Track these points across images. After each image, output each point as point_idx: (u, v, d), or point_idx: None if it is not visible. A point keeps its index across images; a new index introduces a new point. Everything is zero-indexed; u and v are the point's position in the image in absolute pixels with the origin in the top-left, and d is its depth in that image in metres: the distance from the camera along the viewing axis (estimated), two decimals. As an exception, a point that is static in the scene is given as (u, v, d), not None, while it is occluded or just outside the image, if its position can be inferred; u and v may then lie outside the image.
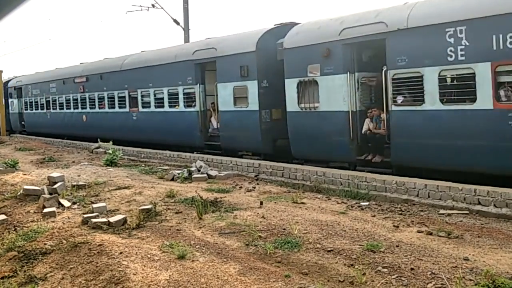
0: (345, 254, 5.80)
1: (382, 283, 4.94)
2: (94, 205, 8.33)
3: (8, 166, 13.11)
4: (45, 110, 26.62)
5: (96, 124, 22.03)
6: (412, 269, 5.23)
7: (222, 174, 11.77)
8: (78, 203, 8.98)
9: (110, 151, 15.33)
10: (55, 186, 9.65)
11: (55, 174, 10.47)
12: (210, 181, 11.23)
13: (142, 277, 5.21)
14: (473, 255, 5.62)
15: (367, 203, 8.70)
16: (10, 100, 30.61)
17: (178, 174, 11.73)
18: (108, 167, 13.97)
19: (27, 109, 28.90)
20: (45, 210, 8.35)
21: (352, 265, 5.43)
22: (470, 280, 4.89)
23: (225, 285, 4.97)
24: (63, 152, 19.29)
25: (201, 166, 12.12)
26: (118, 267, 5.53)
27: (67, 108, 24.67)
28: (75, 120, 23.93)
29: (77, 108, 23.61)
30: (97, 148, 18.93)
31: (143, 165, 14.76)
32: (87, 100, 22.64)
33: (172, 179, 11.58)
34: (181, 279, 5.14)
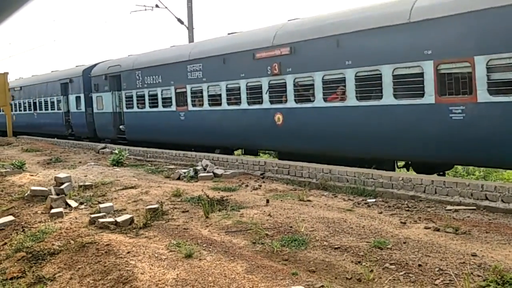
0: (352, 251, 5.79)
1: (389, 279, 4.93)
2: (101, 205, 8.36)
3: (15, 167, 13.18)
4: (173, 108, 17.52)
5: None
6: (419, 265, 5.22)
7: (228, 173, 11.78)
8: (85, 203, 9.02)
9: (116, 151, 15.39)
10: (62, 186, 9.70)
11: (62, 174, 10.52)
12: (216, 180, 11.25)
13: (150, 276, 5.22)
14: (481, 250, 5.59)
15: (374, 200, 8.69)
16: (94, 95, 22.44)
17: (184, 173, 11.75)
18: (114, 167, 14.03)
19: (131, 107, 20.00)
20: (53, 210, 8.39)
21: (359, 262, 5.43)
22: (478, 276, 4.87)
23: (232, 283, 4.97)
24: (69, 152, 19.37)
25: (207, 165, 12.14)
26: (125, 266, 5.55)
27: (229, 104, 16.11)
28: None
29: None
30: (103, 148, 19.02)
31: (149, 164, 14.80)
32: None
33: (178, 178, 11.61)
34: (189, 278, 5.15)
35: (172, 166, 13.98)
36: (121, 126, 20.81)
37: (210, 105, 15.74)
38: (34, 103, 29.48)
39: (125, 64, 20.44)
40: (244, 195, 9.15)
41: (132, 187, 10.29)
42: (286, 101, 13.14)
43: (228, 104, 15.05)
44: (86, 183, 10.61)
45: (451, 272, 4.98)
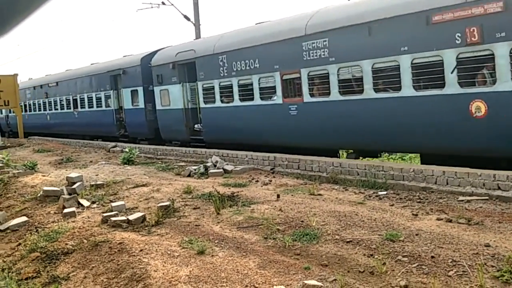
0: (364, 244, 5.78)
1: (402, 272, 4.91)
2: (113, 204, 8.42)
3: (27, 168, 13.29)
4: (278, 100, 13.45)
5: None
6: (432, 257, 5.19)
7: (238, 169, 11.80)
8: (97, 202, 9.09)
9: (127, 150, 15.47)
10: (74, 186, 9.78)
11: (74, 174, 10.60)
12: (227, 176, 11.26)
13: (163, 274, 5.25)
14: (494, 241, 5.55)
15: (385, 192, 8.65)
16: (157, 88, 18.36)
17: (195, 170, 11.79)
18: (125, 165, 14.10)
19: (212, 101, 15.71)
20: (65, 210, 8.46)
21: (371, 255, 5.41)
22: (492, 266, 4.84)
23: (245, 279, 4.99)
24: (80, 152, 19.50)
25: (217, 161, 12.17)
26: (139, 264, 5.58)
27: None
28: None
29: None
30: (113, 147, 19.12)
31: (160, 162, 14.86)
32: None
33: (189, 175, 11.65)
34: (202, 274, 5.18)
35: (183, 163, 14.02)
36: (196, 126, 16.90)
37: (342, 93, 11.61)
38: (74, 100, 25.11)
39: (202, 48, 16.27)
40: (254, 191, 9.17)
41: (143, 185, 10.35)
42: (493, 82, 8.97)
43: (376, 91, 10.91)
44: (98, 182, 10.68)
45: (464, 263, 4.95)
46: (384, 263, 5.11)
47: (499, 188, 7.80)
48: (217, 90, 15.39)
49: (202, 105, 16.17)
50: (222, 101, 15.29)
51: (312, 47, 12.10)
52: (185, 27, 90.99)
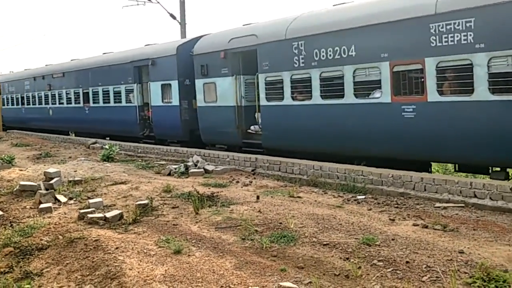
0: (341, 247, 5.81)
1: (377, 276, 4.95)
2: (91, 201, 8.33)
3: (4, 162, 13.08)
4: (385, 99, 10.57)
5: None
6: (407, 262, 5.25)
7: (219, 169, 11.78)
8: (74, 199, 8.98)
9: (107, 146, 15.33)
10: (52, 181, 9.65)
11: (52, 169, 10.47)
12: (207, 176, 11.23)
13: (138, 272, 5.21)
14: (468, 248, 5.64)
15: (364, 196, 8.72)
16: (199, 81, 15.40)
17: (175, 169, 11.73)
18: (105, 162, 13.97)
19: (278, 98, 12.86)
20: (42, 205, 8.35)
21: (347, 258, 5.45)
22: (465, 273, 4.91)
23: (221, 279, 4.98)
24: (59, 147, 19.27)
25: (198, 161, 12.13)
26: (114, 262, 5.53)
27: None
28: None
29: None
30: (93, 143, 18.92)
31: (140, 160, 14.75)
32: None
33: (169, 174, 11.58)
34: (177, 273, 5.15)
35: (163, 162, 13.95)
36: (252, 127, 14.16)
37: (495, 92, 8.63)
38: (85, 94, 22.01)
39: (268, 33, 13.20)
40: (234, 191, 9.16)
41: (122, 183, 10.26)
42: None
43: None
44: (76, 178, 10.56)
45: (438, 269, 5.02)
46: (360, 267, 5.14)
47: (475, 196, 7.92)
48: (287, 84, 12.47)
49: (264, 102, 13.26)
50: (293, 98, 12.43)
51: (447, 29, 9.21)
52: (171, 25, 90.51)
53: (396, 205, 8.00)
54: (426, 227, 6.54)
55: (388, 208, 7.80)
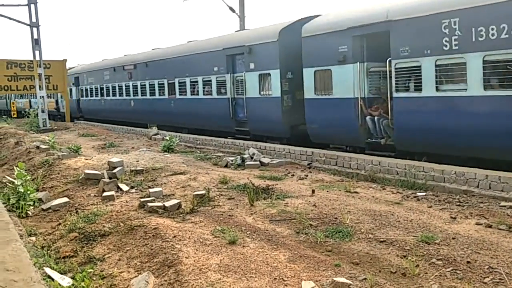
0: (398, 245, 5.67)
1: (435, 275, 4.79)
2: (151, 190, 8.58)
3: (71, 151, 13.70)
4: None
5: None
6: (468, 262, 5.04)
7: (274, 162, 11.80)
8: (135, 188, 9.28)
9: (168, 138, 15.73)
10: (115, 170, 10.02)
11: (115, 159, 10.87)
12: (263, 169, 11.28)
13: (194, 261, 5.32)
14: (535, 250, 5.34)
15: (424, 193, 8.45)
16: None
17: (232, 161, 11.86)
18: (165, 153, 14.35)
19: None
20: (105, 193, 8.68)
21: (405, 256, 5.31)
22: (532, 276, 4.65)
23: (274, 271, 4.99)
24: (123, 138, 19.96)
25: (254, 153, 12.20)
26: (171, 250, 5.67)
27: None
28: None
29: None
30: (155, 134, 19.47)
31: (199, 151, 15.04)
32: None
33: (226, 166, 11.74)
34: (232, 264, 5.21)
35: (220, 154, 14.14)
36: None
37: None
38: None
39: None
40: (289, 185, 9.14)
41: (181, 173, 10.50)
42: None
43: None
44: (138, 168, 10.91)
45: (501, 270, 4.79)
46: (417, 265, 5.00)
47: (545, 196, 7.45)
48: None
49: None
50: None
51: None
52: (230, 19, 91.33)
53: (458, 203, 7.70)
54: (490, 226, 6.25)
55: (450, 206, 7.51)
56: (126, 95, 25.03)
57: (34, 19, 24.80)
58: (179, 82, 20.11)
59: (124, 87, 25.25)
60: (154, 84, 22.18)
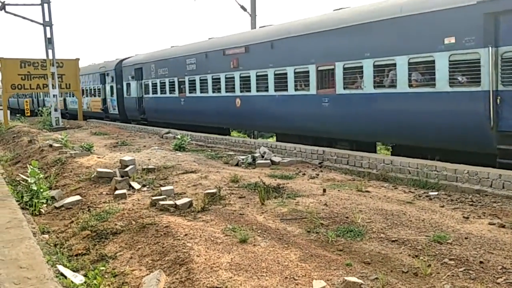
0: (410, 244, 5.64)
1: (448, 275, 4.76)
2: (163, 188, 8.62)
3: (84, 150, 13.82)
4: None
5: None
6: (481, 262, 5.00)
7: (285, 161, 11.78)
8: (147, 186, 9.34)
9: (179, 136, 15.79)
10: (127, 169, 10.08)
11: (127, 157, 10.93)
12: (274, 167, 11.28)
13: (205, 259, 5.33)
14: (550, 250, 5.27)
15: (436, 193, 8.39)
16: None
17: (243, 159, 11.88)
18: (176, 151, 14.41)
19: None
20: (117, 192, 8.75)
21: (417, 256, 5.28)
22: (546, 277, 4.60)
23: (285, 270, 4.99)
24: (135, 136, 20.07)
25: (264, 152, 12.20)
26: (183, 248, 5.69)
27: None
28: None
29: None
30: (167, 133, 19.55)
31: (210, 150, 15.07)
32: None
33: (237, 164, 11.75)
34: (243, 262, 5.22)
35: (231, 152, 14.15)
36: None
37: None
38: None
39: None
40: (300, 184, 9.13)
41: (192, 172, 10.53)
42: None
43: None
44: (149, 166, 10.97)
45: (515, 271, 4.74)
46: (429, 265, 4.96)
47: (560, 196, 7.30)
48: None
49: None
50: None
51: None
52: (241, 17, 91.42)
53: (471, 203, 7.63)
54: (503, 226, 6.18)
55: (462, 206, 7.45)
56: (228, 91, 17.70)
57: (47, 18, 25.02)
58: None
59: (223, 80, 17.89)
60: (286, 74, 14.75)
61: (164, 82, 22.36)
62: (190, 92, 20.24)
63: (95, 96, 31.46)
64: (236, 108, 17.23)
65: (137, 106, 25.32)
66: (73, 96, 32.58)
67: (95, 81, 31.27)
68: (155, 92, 23.31)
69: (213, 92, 18.68)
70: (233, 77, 17.35)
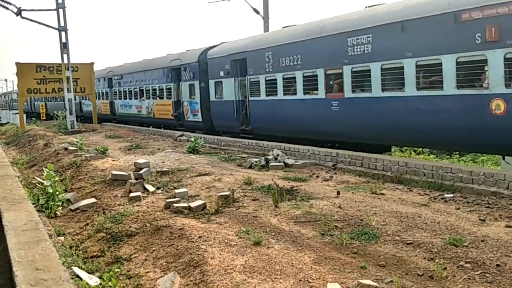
0: (425, 247, 5.59)
1: (464, 278, 4.70)
2: (177, 191, 8.66)
3: (98, 153, 13.93)
4: None
5: None
6: (498, 265, 4.93)
7: (299, 163, 11.76)
8: (161, 188, 9.38)
9: (192, 139, 15.85)
10: (141, 171, 10.14)
11: (141, 160, 11.00)
12: (287, 170, 11.26)
13: (219, 262, 5.34)
14: None
15: (452, 195, 8.30)
16: None
17: (256, 162, 11.88)
18: (190, 154, 14.45)
19: None
20: (131, 194, 8.80)
21: (432, 259, 5.23)
22: None
23: (299, 273, 4.97)
24: (149, 139, 20.18)
25: (278, 155, 12.19)
26: (197, 250, 5.71)
27: None
28: None
29: None
30: (180, 136, 19.63)
31: (223, 152, 15.10)
32: None
33: (250, 167, 11.76)
34: (256, 265, 5.22)
35: (244, 155, 14.16)
36: None
37: None
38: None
39: None
40: (314, 186, 9.10)
41: (206, 174, 10.56)
42: None
43: None
44: (163, 169, 11.02)
45: (533, 274, 4.67)
46: (445, 268, 4.91)
47: None
48: None
49: None
50: None
51: None
52: (254, 20, 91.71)
53: (487, 205, 7.54)
54: (521, 229, 6.10)
55: (478, 208, 7.36)
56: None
57: (62, 23, 25.30)
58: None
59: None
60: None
61: (293, 78, 15.12)
62: (354, 91, 13.13)
63: (161, 98, 24.44)
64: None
65: (235, 113, 18.20)
66: (95, 99, 31.40)
67: (160, 79, 24.55)
68: (272, 92, 16.15)
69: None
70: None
